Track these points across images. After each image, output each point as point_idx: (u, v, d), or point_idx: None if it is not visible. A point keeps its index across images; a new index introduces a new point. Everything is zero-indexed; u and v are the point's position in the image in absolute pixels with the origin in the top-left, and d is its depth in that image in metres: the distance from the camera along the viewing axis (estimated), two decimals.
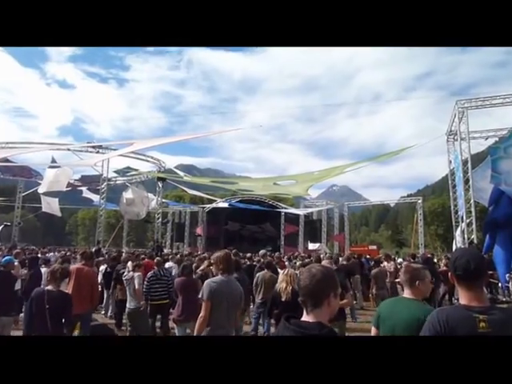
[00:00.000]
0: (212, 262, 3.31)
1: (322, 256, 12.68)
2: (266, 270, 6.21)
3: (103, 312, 7.82)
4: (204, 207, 35.78)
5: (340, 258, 10.97)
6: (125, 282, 5.63)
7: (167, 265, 6.95)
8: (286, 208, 33.53)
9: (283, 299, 4.06)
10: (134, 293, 5.32)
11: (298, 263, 7.94)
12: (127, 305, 5.41)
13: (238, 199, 32.45)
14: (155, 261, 6.41)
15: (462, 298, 1.51)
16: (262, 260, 8.23)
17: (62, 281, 3.64)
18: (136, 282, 5.37)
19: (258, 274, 6.16)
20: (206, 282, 3.17)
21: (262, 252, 8.00)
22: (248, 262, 8.39)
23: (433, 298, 6.99)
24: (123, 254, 9.22)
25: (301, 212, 29.72)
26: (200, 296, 3.11)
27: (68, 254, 12.14)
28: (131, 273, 5.59)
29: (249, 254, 9.76)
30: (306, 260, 9.26)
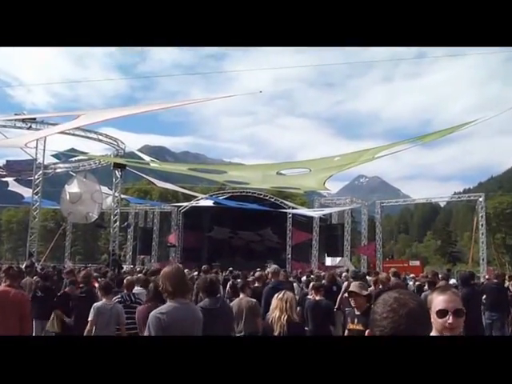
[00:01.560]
0: (159, 281, 3.30)
1: (344, 275, 12.78)
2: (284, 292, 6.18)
3: None
4: (179, 206, 35.97)
5: (369, 278, 11.08)
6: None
7: (136, 290, 6.88)
8: (294, 208, 33.89)
9: (276, 333, 4.12)
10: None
11: (310, 285, 7.92)
12: None
13: (227, 195, 32.78)
14: (126, 281, 6.52)
15: None
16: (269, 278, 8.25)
17: None
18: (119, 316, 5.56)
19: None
20: (150, 314, 3.16)
21: (273, 267, 8.03)
22: (256, 284, 8.30)
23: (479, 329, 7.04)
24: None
25: (315, 214, 29.86)
26: (147, 334, 3.08)
27: None
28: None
29: (257, 273, 9.78)
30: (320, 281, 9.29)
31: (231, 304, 5.76)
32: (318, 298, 6.45)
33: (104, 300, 5.82)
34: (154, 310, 3.23)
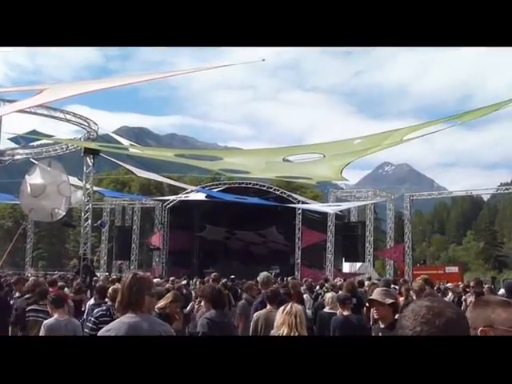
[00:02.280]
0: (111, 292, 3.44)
1: (367, 284, 12.86)
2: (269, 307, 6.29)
3: None
4: (164, 201, 36.31)
5: (398, 288, 11.15)
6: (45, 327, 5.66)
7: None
8: (304, 202, 34.11)
9: None
10: None
11: (328, 295, 7.89)
12: None
13: (222, 187, 33.01)
14: (111, 290, 6.42)
15: None
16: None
17: None
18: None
19: (257, 314, 6.21)
20: (99, 332, 3.28)
21: (263, 276, 8.03)
22: (245, 296, 8.34)
23: None
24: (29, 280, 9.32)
25: (330, 209, 29.96)
26: None
27: None
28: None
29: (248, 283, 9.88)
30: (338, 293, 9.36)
31: (256, 316, 5.84)
32: (345, 313, 6.44)
33: (56, 316, 5.77)
34: (103, 328, 3.37)
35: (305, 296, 11.57)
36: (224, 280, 15.95)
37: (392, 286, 11.82)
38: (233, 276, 17.33)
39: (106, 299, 6.70)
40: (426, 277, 9.26)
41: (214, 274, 11.31)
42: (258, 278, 7.64)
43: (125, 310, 3.31)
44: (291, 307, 4.28)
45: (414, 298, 7.29)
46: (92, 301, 8.01)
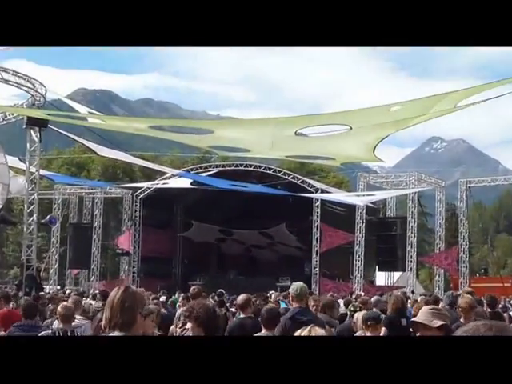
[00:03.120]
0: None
1: (412, 299, 12.83)
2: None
3: None
4: (136, 189, 36.57)
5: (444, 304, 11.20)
6: None
7: (77, 321, 7.02)
8: (324, 191, 34.30)
9: None
10: None
11: (358, 316, 8.00)
12: None
13: (214, 171, 33.23)
14: (61, 309, 6.51)
15: None
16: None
17: None
18: None
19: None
20: None
21: (241, 298, 8.16)
22: (242, 315, 8.49)
23: None
24: None
25: (359, 200, 30.00)
26: None
27: None
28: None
29: (241, 298, 10.13)
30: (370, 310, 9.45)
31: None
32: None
33: None
34: None
35: (320, 317, 11.58)
36: (212, 295, 16.07)
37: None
38: (221, 290, 17.34)
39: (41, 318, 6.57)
40: (470, 289, 9.16)
41: (194, 287, 11.41)
42: (291, 290, 7.75)
43: (113, 330, 3.48)
44: (309, 331, 4.18)
45: (462, 320, 7.32)
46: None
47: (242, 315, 8.12)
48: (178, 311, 9.97)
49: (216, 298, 15.38)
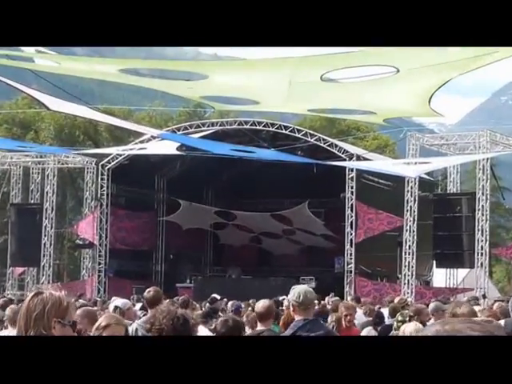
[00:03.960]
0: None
1: (477, 309, 12.76)
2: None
3: None
4: (102, 157, 36.86)
5: None
6: None
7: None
8: (361, 158, 34.22)
9: None
10: None
11: (409, 328, 7.88)
12: None
13: (208, 131, 33.22)
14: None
15: None
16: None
17: None
18: None
19: None
20: None
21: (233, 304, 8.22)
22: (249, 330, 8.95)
23: None
24: None
25: (410, 171, 29.72)
26: None
27: None
28: None
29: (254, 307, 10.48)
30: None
31: None
32: None
33: None
34: None
35: (365, 330, 11.86)
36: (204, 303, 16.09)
37: None
38: (215, 296, 17.23)
39: None
40: None
41: (149, 289, 11.34)
42: (290, 296, 7.93)
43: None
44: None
45: None
46: None
47: (260, 327, 8.32)
48: (133, 325, 9.84)
49: (207, 305, 15.38)
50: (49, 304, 4.02)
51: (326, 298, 18.91)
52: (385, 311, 14.48)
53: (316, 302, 9.19)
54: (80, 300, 17.18)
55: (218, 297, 17.55)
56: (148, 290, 11.35)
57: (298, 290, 7.89)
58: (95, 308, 13.37)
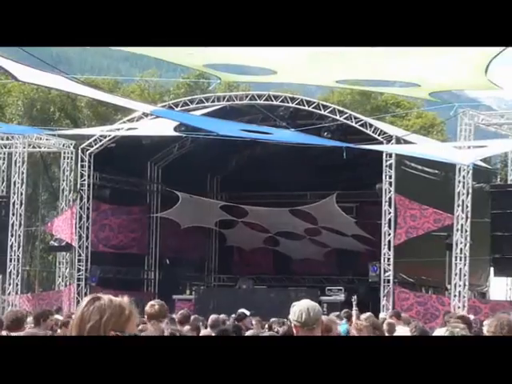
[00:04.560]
0: None
1: None
2: None
3: None
4: (82, 139, 36.99)
5: None
6: None
7: None
8: (402, 141, 34.05)
9: None
10: None
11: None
12: None
13: (213, 107, 33.38)
14: None
15: None
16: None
17: None
18: None
19: None
20: None
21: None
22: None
23: None
24: None
25: (461, 157, 29.73)
26: None
27: None
28: None
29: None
30: None
31: None
32: None
33: None
34: None
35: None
36: (221, 317, 16.19)
37: None
38: (244, 310, 17.40)
39: None
40: None
41: (182, 311, 11.50)
42: (291, 315, 7.91)
43: None
44: None
45: None
46: None
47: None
48: None
49: (234, 322, 15.54)
50: (106, 314, 4.02)
51: (356, 313, 18.82)
52: (438, 331, 14.50)
53: (323, 318, 8.76)
54: (56, 316, 17.21)
55: (248, 312, 17.63)
56: (151, 303, 11.49)
57: (298, 308, 7.84)
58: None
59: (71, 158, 35.80)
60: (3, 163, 36.88)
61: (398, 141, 32.26)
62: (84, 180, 34.90)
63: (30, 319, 13.12)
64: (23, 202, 36.10)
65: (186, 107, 32.89)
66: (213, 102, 33.35)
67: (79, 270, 34.71)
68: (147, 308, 11.22)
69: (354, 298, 21.25)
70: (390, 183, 31.72)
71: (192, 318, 13.92)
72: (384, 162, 31.29)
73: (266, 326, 14.95)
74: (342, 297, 28.78)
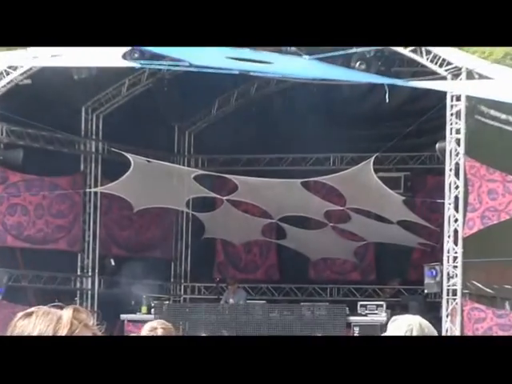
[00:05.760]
0: None
1: None
2: None
3: None
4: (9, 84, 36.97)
5: None
6: None
7: None
8: (475, 75, 33.81)
9: None
10: None
11: None
12: None
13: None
14: None
15: None
16: None
17: None
18: None
19: None
20: None
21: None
22: None
23: None
24: None
25: None
26: None
27: None
28: None
29: None
30: None
31: None
32: None
33: None
34: None
35: None
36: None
37: None
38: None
39: None
40: None
41: (158, 321, 11.56)
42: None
43: None
44: None
45: None
46: None
47: None
48: None
49: None
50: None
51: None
52: None
53: None
54: None
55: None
56: (151, 326, 11.46)
57: (405, 323, 7.98)
58: None
59: None
60: None
61: (471, 75, 32.11)
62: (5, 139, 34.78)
63: None
64: None
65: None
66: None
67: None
68: (146, 330, 11.40)
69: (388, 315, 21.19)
70: (458, 141, 31.46)
71: None
72: (448, 108, 31.12)
73: None
74: (382, 316, 28.84)
